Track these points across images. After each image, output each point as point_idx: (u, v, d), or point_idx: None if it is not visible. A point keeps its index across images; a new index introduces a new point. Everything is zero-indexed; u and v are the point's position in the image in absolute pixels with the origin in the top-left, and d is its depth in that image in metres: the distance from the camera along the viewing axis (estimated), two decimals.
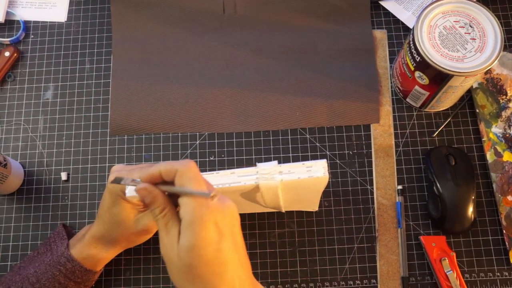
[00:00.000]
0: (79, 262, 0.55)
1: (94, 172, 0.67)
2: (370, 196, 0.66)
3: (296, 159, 0.68)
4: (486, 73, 0.69)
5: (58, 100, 0.71)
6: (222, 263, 0.40)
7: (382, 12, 0.74)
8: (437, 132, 0.68)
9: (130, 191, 0.49)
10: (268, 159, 0.68)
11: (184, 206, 0.41)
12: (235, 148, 0.68)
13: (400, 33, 0.73)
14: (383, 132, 0.68)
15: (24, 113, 0.70)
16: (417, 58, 0.60)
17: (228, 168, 0.52)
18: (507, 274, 0.63)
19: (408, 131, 0.69)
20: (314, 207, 0.63)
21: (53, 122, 0.70)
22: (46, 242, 0.59)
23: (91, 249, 0.56)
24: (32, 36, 0.74)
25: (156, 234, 0.57)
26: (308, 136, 0.69)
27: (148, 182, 0.43)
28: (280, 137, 0.69)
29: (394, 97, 0.70)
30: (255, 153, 0.68)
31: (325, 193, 0.65)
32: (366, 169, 0.67)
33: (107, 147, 0.69)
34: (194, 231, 0.39)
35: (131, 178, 0.46)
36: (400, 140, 0.68)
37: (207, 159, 0.68)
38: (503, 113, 0.67)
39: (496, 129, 0.67)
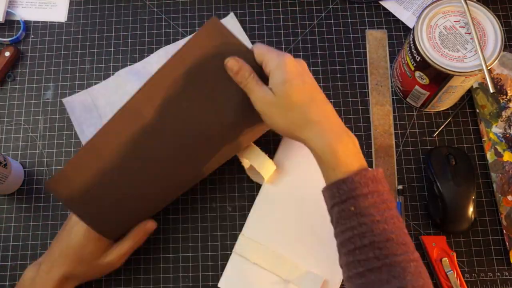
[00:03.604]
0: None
1: None
2: None
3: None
4: None
5: (58, 100, 0.71)
6: (308, 90, 0.51)
7: (382, 12, 0.74)
8: (437, 132, 0.68)
9: None
10: None
11: (267, 60, 0.51)
12: None
13: (400, 33, 0.73)
14: (383, 132, 0.68)
15: (24, 113, 0.70)
16: (417, 58, 0.60)
17: None
18: (507, 274, 0.62)
19: (408, 131, 0.69)
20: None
21: (53, 122, 0.70)
22: None
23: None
24: (32, 36, 0.74)
25: (156, 235, 0.57)
26: None
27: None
28: (280, 137, 0.68)
29: (394, 97, 0.70)
30: None
31: None
32: None
33: None
34: (283, 69, 0.50)
35: None
36: (400, 140, 0.68)
37: None
38: (503, 113, 0.67)
39: (496, 129, 0.67)
